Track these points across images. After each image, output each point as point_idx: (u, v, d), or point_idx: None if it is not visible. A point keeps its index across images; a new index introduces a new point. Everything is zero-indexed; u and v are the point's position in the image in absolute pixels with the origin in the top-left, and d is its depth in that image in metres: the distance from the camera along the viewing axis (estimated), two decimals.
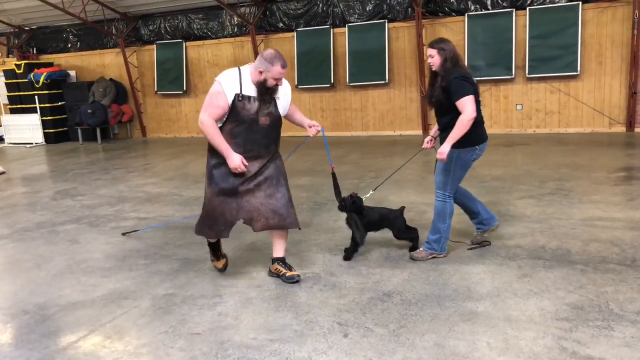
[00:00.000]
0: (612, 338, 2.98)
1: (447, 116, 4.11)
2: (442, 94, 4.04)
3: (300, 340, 3.16)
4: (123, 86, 14.41)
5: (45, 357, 3.16)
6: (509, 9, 10.59)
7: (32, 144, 14.33)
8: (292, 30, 12.49)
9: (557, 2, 10.33)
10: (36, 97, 14.27)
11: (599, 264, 4.03)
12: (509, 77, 10.74)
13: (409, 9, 11.36)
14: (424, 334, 3.15)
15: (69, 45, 15.20)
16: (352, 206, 4.35)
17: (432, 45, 4.11)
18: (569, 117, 10.64)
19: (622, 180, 6.70)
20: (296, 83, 12.56)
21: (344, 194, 4.47)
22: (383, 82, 11.78)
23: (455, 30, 11.07)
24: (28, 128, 14.43)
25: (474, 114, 3.94)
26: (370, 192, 4.73)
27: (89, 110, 13.64)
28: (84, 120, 13.72)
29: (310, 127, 4.16)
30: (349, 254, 4.42)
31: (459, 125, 3.96)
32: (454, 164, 4.15)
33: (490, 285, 3.78)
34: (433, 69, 4.13)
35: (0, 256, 5.12)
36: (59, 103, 14.54)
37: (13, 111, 15.02)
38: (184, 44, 13.52)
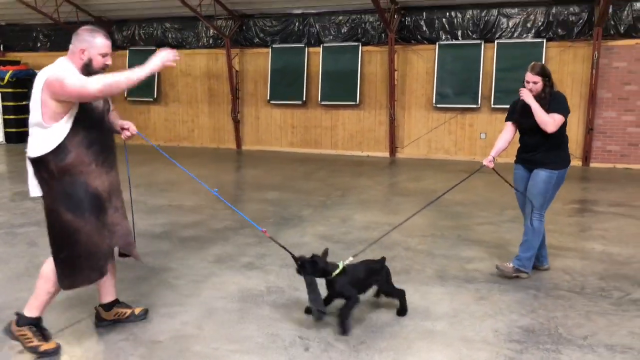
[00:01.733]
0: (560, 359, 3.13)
1: (537, 136, 4.24)
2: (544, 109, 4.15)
3: (262, 352, 3.20)
4: None
5: None
6: (478, 41, 11.01)
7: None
8: (267, 46, 12.62)
9: (524, 38, 10.80)
10: (0, 94, 13.91)
11: (551, 290, 4.22)
12: (475, 106, 11.12)
13: (383, 34, 11.66)
14: (382, 351, 3.24)
15: (38, 45, 14.93)
16: (310, 268, 3.47)
17: (536, 72, 4.16)
18: None
19: (575, 212, 7.01)
20: (268, 98, 12.66)
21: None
22: (354, 103, 12.00)
23: (426, 58, 11.42)
24: None
25: (551, 128, 4.10)
26: (350, 258, 3.71)
27: None
28: None
29: (123, 129, 3.50)
30: (316, 315, 3.51)
31: (542, 115, 4.09)
32: (554, 185, 4.31)
33: (448, 307, 3.90)
34: (532, 94, 4.19)
35: None
36: (24, 102, 14.18)
37: None
38: (156, 51, 13.43)
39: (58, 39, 14.59)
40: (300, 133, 12.76)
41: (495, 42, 10.87)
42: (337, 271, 3.49)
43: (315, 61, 12.28)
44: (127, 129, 3.49)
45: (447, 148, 11.51)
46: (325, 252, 3.68)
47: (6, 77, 13.79)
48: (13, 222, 6.16)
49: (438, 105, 11.38)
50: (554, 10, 10.61)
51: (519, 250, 4.49)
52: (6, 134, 14.05)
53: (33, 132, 3.07)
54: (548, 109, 4.15)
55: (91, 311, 3.74)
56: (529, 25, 10.77)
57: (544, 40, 10.57)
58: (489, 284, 4.35)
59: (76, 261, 3.12)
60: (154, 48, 13.45)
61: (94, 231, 3.13)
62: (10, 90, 13.94)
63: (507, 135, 4.55)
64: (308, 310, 3.67)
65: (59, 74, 2.94)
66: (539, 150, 4.29)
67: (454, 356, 3.18)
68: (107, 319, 3.54)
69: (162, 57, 3.15)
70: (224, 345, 3.29)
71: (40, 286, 3.23)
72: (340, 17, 12.06)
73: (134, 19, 13.63)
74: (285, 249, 3.76)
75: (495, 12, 10.91)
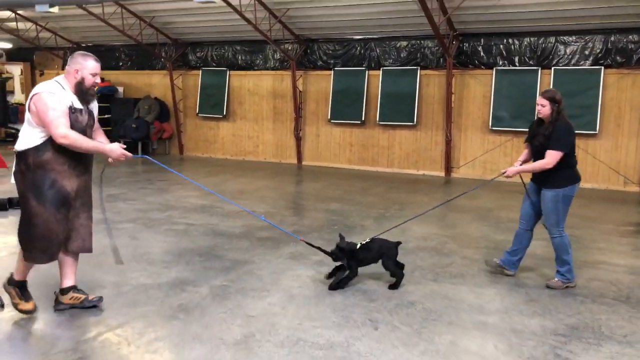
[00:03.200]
0: (600, 352, 3.57)
1: (541, 158, 4.73)
2: (545, 140, 4.63)
3: (339, 329, 3.81)
4: (167, 105, 15.40)
5: (125, 321, 3.83)
6: (535, 67, 11.36)
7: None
8: (330, 69, 13.40)
9: (581, 65, 11.07)
10: None
11: (597, 297, 4.62)
12: None
13: (441, 59, 12.20)
14: (442, 335, 3.77)
15: (120, 64, 16.33)
16: (341, 254, 4.57)
17: (545, 96, 4.66)
18: (585, 172, 11.22)
19: (629, 233, 7.27)
20: (329, 117, 13.40)
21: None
22: (411, 123, 12.54)
23: (483, 82, 11.86)
24: None
25: (550, 166, 4.59)
26: (367, 239, 4.78)
27: (134, 125, 14.62)
28: (127, 134, 14.67)
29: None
30: (340, 284, 4.56)
31: (537, 165, 4.69)
32: (561, 202, 4.75)
33: (500, 305, 4.39)
34: (540, 116, 4.74)
35: None
36: (106, 116, 15.55)
37: None
38: (227, 72, 14.51)
39: (138, 59, 15.94)
40: (358, 151, 13.39)
41: (552, 68, 11.19)
42: (357, 247, 4.60)
43: (374, 83, 12.93)
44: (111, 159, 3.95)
45: (504, 169, 11.80)
46: (341, 237, 4.70)
47: None
48: (113, 219, 7.04)
49: (494, 128, 11.75)
50: (612, 38, 10.84)
51: (556, 266, 4.91)
52: None
53: (23, 129, 3.74)
54: (546, 140, 4.57)
55: (192, 291, 4.47)
56: (586, 52, 11.04)
57: (602, 67, 10.81)
58: (539, 289, 4.80)
59: (32, 240, 3.69)
60: (225, 69, 14.53)
61: (51, 220, 3.66)
62: None
63: (524, 155, 5.05)
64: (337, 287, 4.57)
65: (48, 100, 3.53)
66: (544, 171, 4.70)
67: (504, 343, 3.67)
68: (64, 302, 3.95)
69: (114, 150, 3.72)
70: (305, 322, 3.91)
71: (19, 257, 3.91)
72: (400, 43, 12.69)
73: (207, 41, 14.76)
74: (318, 248, 4.73)
75: (552, 39, 11.25)
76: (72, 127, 3.63)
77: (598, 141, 11.05)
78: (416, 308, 4.25)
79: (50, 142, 3.63)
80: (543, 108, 4.66)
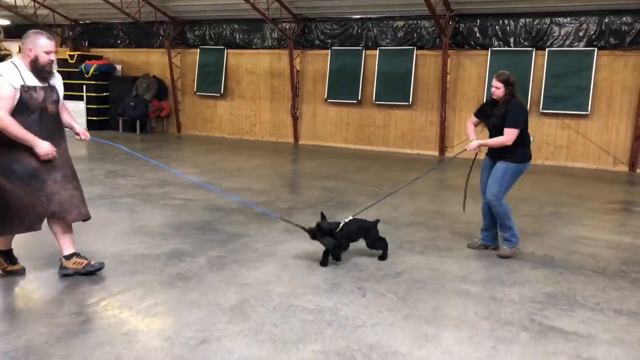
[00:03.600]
0: (573, 317, 3.81)
1: (498, 135, 4.97)
2: (500, 120, 4.90)
3: (328, 295, 4.03)
4: (165, 84, 15.49)
5: (125, 288, 4.06)
6: (530, 48, 11.47)
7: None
8: (327, 48, 13.48)
9: (575, 46, 11.19)
10: (84, 86, 15.39)
11: (576, 269, 4.86)
12: None
13: (437, 39, 12.29)
14: (426, 302, 4.00)
15: (118, 42, 16.36)
16: (319, 232, 4.65)
17: (499, 79, 4.90)
18: (576, 152, 11.44)
19: (614, 211, 7.49)
20: (326, 97, 13.53)
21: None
22: (407, 103, 12.68)
23: (478, 63, 11.98)
24: (74, 114, 15.44)
25: (509, 143, 4.85)
26: (350, 217, 4.92)
27: (132, 103, 14.73)
28: (126, 112, 14.80)
29: (77, 133, 4.31)
30: (324, 260, 4.70)
31: (497, 140, 4.94)
32: (509, 175, 5.00)
33: (483, 275, 4.63)
34: (494, 97, 4.98)
35: None
36: (104, 94, 15.65)
37: None
38: (225, 50, 14.58)
39: (136, 36, 15.97)
40: (354, 130, 13.55)
41: (547, 49, 11.31)
42: (338, 229, 4.71)
43: (371, 63, 13.04)
44: (79, 135, 4.30)
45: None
46: (323, 216, 4.77)
47: (91, 70, 15.27)
48: (112, 194, 7.25)
49: None
50: (606, 20, 10.95)
51: (500, 233, 5.19)
52: (88, 122, 15.51)
53: None
54: (504, 120, 4.84)
55: (190, 261, 4.69)
56: (580, 34, 11.15)
57: (595, 49, 10.93)
58: (521, 261, 5.02)
59: (5, 214, 3.84)
60: (223, 47, 14.59)
61: (21, 194, 3.84)
62: (93, 82, 15.41)
63: (472, 123, 5.35)
64: (323, 263, 4.69)
65: None
66: (500, 147, 4.96)
67: (484, 309, 3.91)
68: (68, 267, 4.18)
69: (43, 149, 3.84)
70: (297, 289, 4.14)
71: None
72: (397, 22, 12.77)
73: (205, 20, 14.79)
74: (297, 225, 4.90)
75: (547, 20, 11.35)
76: (27, 104, 3.83)
77: (589, 122, 11.23)
78: (403, 278, 4.47)
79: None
80: (497, 90, 4.91)
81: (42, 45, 3.88)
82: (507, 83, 4.89)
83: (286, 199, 7.50)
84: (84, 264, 4.21)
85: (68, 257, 4.21)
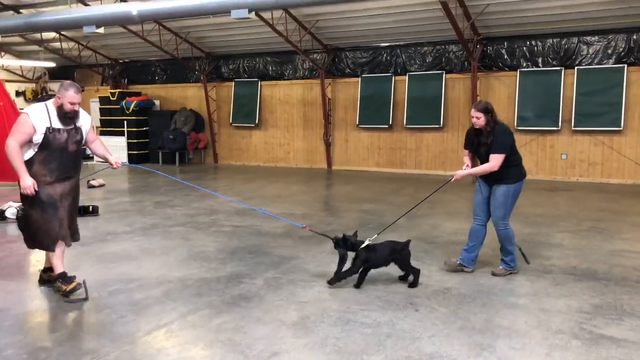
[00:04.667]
0: (621, 325, 3.96)
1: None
2: (488, 148, 5.01)
3: (383, 311, 4.28)
4: (201, 116, 16.11)
5: (195, 309, 4.38)
6: (559, 68, 11.65)
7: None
8: (357, 76, 13.90)
9: (604, 64, 11.33)
10: (125, 121, 16.12)
11: (620, 281, 4.99)
12: (556, 128, 11.71)
13: (466, 62, 12.58)
14: (477, 314, 4.21)
15: (156, 78, 17.13)
16: (342, 243, 4.84)
17: (478, 109, 4.98)
18: (611, 168, 11.46)
19: None
20: (357, 123, 13.90)
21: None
22: (438, 126, 12.93)
23: (508, 84, 12.20)
24: (115, 149, 16.21)
25: (496, 169, 4.97)
26: (375, 235, 5.02)
27: (171, 136, 15.36)
28: (165, 145, 15.43)
29: (111, 164, 4.92)
30: (339, 276, 4.80)
31: (484, 167, 5.05)
32: (510, 197, 5.14)
33: (529, 288, 4.80)
34: (476, 127, 5.09)
35: (132, 245, 6.47)
36: (144, 128, 16.35)
37: (103, 133, 16.91)
38: (259, 82, 15.15)
39: (173, 72, 16.72)
40: (386, 154, 13.83)
41: (576, 68, 11.47)
42: (363, 246, 4.82)
43: (401, 88, 13.38)
44: (112, 165, 4.91)
45: (529, 168, 12.00)
46: (355, 234, 4.98)
47: (131, 107, 16.00)
48: (164, 224, 7.66)
49: (519, 128, 12.05)
50: (634, 37, 11.08)
51: (501, 255, 5.23)
52: (129, 156, 16.18)
53: None
54: (490, 147, 4.93)
55: (248, 283, 5.00)
56: (609, 51, 11.30)
57: (625, 66, 11.05)
58: (565, 275, 5.18)
59: (28, 233, 4.65)
60: (257, 79, 15.17)
61: (39, 218, 4.51)
62: (133, 117, 16.13)
63: (468, 160, 5.32)
64: (334, 281, 4.82)
65: (23, 119, 4.36)
66: (491, 173, 5.05)
67: (533, 319, 4.09)
68: (46, 279, 4.86)
69: (25, 182, 4.37)
70: (353, 306, 4.39)
71: (46, 256, 4.85)
72: (425, 48, 13.13)
73: (239, 54, 15.43)
74: (322, 234, 5.25)
75: (575, 40, 11.54)
76: (50, 143, 4.45)
77: (623, 137, 11.28)
78: (452, 293, 4.69)
79: (35, 157, 4.46)
80: (478, 120, 5.00)
81: (68, 96, 4.43)
82: (486, 111, 4.96)
83: (327, 222, 7.79)
84: (64, 289, 4.60)
85: (45, 271, 4.85)
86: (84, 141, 4.76)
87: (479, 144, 5.14)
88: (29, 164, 4.45)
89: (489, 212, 5.28)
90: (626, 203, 9.15)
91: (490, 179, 5.18)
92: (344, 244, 4.87)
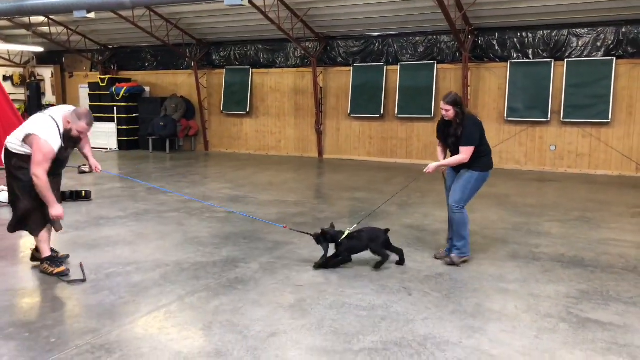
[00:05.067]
0: (607, 310, 4.10)
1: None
2: (457, 139, 5.07)
3: (377, 295, 4.37)
4: (192, 103, 16.05)
5: (192, 291, 4.44)
6: (549, 59, 11.78)
7: (107, 149, 16.02)
8: (349, 65, 13.93)
9: (593, 56, 11.47)
10: (115, 108, 16.01)
11: (607, 268, 5.13)
12: (545, 120, 11.86)
13: (457, 53, 12.66)
14: (468, 298, 4.32)
15: (146, 64, 17.00)
16: (322, 238, 5.06)
17: (447, 101, 5.00)
18: (598, 160, 11.66)
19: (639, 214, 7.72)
20: (349, 112, 13.94)
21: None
22: (429, 116, 13.03)
23: (498, 75, 12.31)
24: (105, 135, 16.15)
25: (466, 160, 5.06)
26: (355, 225, 5.27)
27: (161, 123, 15.29)
28: (156, 132, 15.36)
29: (91, 166, 5.17)
30: (318, 265, 5.03)
31: (454, 159, 5.11)
32: (473, 182, 5.19)
33: (518, 274, 4.93)
34: (447, 119, 5.15)
35: (127, 230, 6.49)
36: (134, 115, 16.26)
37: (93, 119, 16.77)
38: (250, 70, 15.12)
39: (163, 59, 16.60)
40: (377, 143, 13.92)
41: (565, 60, 11.61)
42: (344, 237, 5.04)
43: (393, 78, 13.44)
44: (92, 167, 5.16)
45: (518, 159, 12.30)
46: (332, 225, 5.20)
47: (121, 93, 15.89)
48: (158, 209, 7.68)
49: (509, 119, 12.20)
50: (623, 30, 11.23)
51: (454, 241, 5.23)
52: (119, 142, 16.10)
53: (18, 136, 4.62)
54: (459, 139, 5.02)
55: (244, 267, 5.06)
56: (598, 44, 11.44)
57: (614, 58, 11.21)
58: (553, 262, 5.32)
59: (17, 217, 4.82)
60: (248, 67, 15.13)
61: (30, 205, 4.70)
62: (123, 104, 16.03)
63: (441, 149, 5.47)
64: (316, 266, 5.02)
65: (43, 146, 4.46)
66: (461, 164, 5.15)
67: (523, 304, 4.21)
68: (38, 258, 4.97)
69: (56, 211, 4.63)
70: (347, 290, 4.48)
71: (35, 240, 4.97)
72: (417, 38, 13.18)
73: (231, 41, 15.36)
74: (302, 232, 5.39)
75: (565, 32, 11.66)
76: (57, 158, 4.62)
77: (611, 129, 11.46)
78: (444, 278, 4.80)
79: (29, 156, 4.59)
80: (447, 112, 5.05)
81: (79, 127, 4.65)
82: (455, 104, 5.00)
83: (320, 210, 7.86)
84: (51, 270, 4.81)
85: (37, 250, 4.98)
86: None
87: (448, 135, 5.20)
88: (23, 159, 4.61)
89: None
90: (612, 194, 9.33)
91: (458, 167, 5.26)
92: (324, 238, 5.05)
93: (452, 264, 5.20)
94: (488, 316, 3.98)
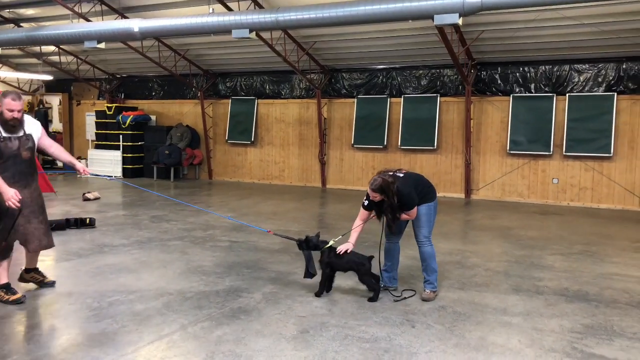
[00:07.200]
0: (612, 345, 4.07)
1: (403, 224, 5.30)
2: (394, 211, 4.92)
3: (380, 327, 4.36)
4: (197, 133, 16.22)
5: (195, 320, 4.43)
6: (551, 94, 11.93)
7: (112, 177, 16.12)
8: (353, 97, 14.12)
9: (595, 91, 11.62)
10: (121, 136, 16.19)
11: (611, 303, 5.11)
12: (547, 153, 11.94)
13: (460, 86, 12.84)
14: (471, 332, 4.31)
15: (153, 93, 17.26)
16: (305, 244, 5.17)
17: (374, 189, 4.85)
18: (601, 193, 11.68)
19: None
20: (352, 142, 14.07)
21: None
22: (432, 147, 13.14)
23: (500, 109, 12.46)
24: (110, 162, 16.29)
25: (414, 215, 5.11)
26: (340, 237, 5.34)
27: (167, 152, 15.43)
28: (161, 160, 15.49)
29: (78, 170, 5.09)
30: (319, 293, 5.10)
31: (411, 213, 5.08)
32: (431, 213, 5.24)
33: (522, 308, 4.91)
34: (376, 201, 4.96)
35: (130, 258, 6.51)
36: (140, 143, 16.42)
37: (98, 146, 16.98)
38: (256, 100, 15.33)
39: (169, 88, 16.86)
40: None
41: (567, 95, 11.76)
42: (327, 246, 5.15)
43: (396, 110, 13.60)
44: (80, 172, 5.11)
45: (520, 191, 12.33)
46: (317, 235, 5.31)
47: (127, 121, 16.09)
48: (161, 237, 7.71)
49: (512, 152, 12.28)
50: (624, 66, 11.40)
51: (426, 276, 5.19)
52: (123, 170, 16.22)
53: None
54: (402, 208, 4.95)
55: (247, 297, 5.06)
56: (599, 79, 11.60)
57: (615, 94, 11.35)
58: (557, 295, 5.30)
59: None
60: (254, 98, 15.35)
61: (6, 221, 4.60)
62: (129, 132, 16.21)
63: (362, 219, 5.25)
64: (306, 276, 5.17)
65: None
66: (400, 233, 5.26)
67: (527, 338, 4.19)
68: (26, 279, 5.08)
69: (7, 193, 4.47)
70: (350, 321, 4.48)
71: None
72: (421, 71, 13.39)
73: (237, 72, 15.63)
74: (287, 237, 5.53)
75: (566, 67, 11.85)
76: (2, 152, 4.58)
77: (613, 163, 11.52)
78: (447, 311, 4.78)
79: None
80: (376, 198, 4.92)
81: (6, 104, 4.58)
82: (381, 191, 4.86)
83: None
84: (39, 279, 5.02)
85: (27, 271, 5.07)
86: (36, 147, 4.88)
87: (382, 210, 5.05)
88: None
89: (401, 233, 5.39)
90: (615, 228, 9.32)
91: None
92: (306, 244, 5.20)
93: (427, 299, 5.07)
94: (491, 350, 3.96)
